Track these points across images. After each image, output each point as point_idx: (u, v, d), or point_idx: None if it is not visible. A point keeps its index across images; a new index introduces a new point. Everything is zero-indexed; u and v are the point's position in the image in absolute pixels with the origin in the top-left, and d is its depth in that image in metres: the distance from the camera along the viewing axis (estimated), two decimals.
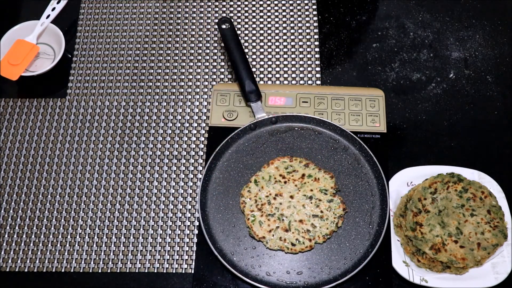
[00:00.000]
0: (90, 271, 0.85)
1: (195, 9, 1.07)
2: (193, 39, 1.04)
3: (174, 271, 0.84)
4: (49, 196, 0.90)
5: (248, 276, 0.80)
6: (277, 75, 0.99)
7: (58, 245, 0.86)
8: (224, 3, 1.07)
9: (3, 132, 0.95)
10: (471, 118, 0.95)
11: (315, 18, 1.05)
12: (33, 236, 0.87)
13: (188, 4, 1.07)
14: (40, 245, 0.86)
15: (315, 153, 0.90)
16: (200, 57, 1.02)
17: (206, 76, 1.00)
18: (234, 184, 0.88)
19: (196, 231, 0.87)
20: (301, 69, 1.00)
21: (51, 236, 0.87)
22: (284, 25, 1.04)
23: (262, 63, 1.01)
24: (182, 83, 0.99)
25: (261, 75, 1.00)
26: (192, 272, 0.84)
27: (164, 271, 0.84)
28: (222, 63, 1.01)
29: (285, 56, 1.01)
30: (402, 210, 0.84)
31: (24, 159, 0.93)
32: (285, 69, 1.00)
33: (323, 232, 0.82)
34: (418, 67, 1.00)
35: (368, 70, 1.00)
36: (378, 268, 0.82)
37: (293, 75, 0.99)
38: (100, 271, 0.85)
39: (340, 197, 0.85)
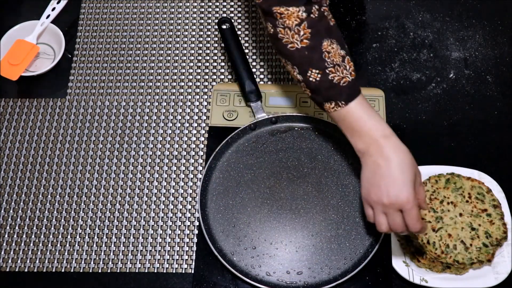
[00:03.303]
0: (90, 271, 0.85)
1: (195, 9, 1.07)
2: (193, 39, 1.04)
3: (174, 271, 0.84)
4: (49, 196, 0.90)
5: (248, 276, 0.80)
6: (277, 75, 0.99)
7: (58, 245, 0.86)
8: (224, 3, 1.07)
9: (3, 132, 0.95)
10: (471, 118, 0.95)
11: None
12: (33, 236, 0.87)
13: (188, 4, 1.07)
14: (40, 245, 0.86)
15: (315, 153, 0.90)
16: (200, 57, 1.02)
17: (206, 76, 1.00)
18: (234, 184, 0.88)
19: (196, 231, 0.87)
20: None
21: (51, 236, 0.87)
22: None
23: (262, 63, 1.01)
24: (182, 83, 0.99)
25: (261, 75, 1.00)
26: (192, 272, 0.84)
27: (164, 271, 0.84)
28: (222, 63, 1.01)
29: None
30: None
31: (24, 159, 0.93)
32: (285, 69, 1.00)
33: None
34: (418, 67, 1.00)
35: (368, 70, 1.00)
36: (378, 268, 0.82)
37: None
38: (100, 271, 0.85)
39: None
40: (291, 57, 0.73)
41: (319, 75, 0.71)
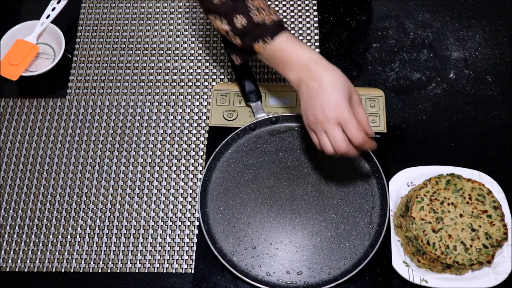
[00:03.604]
0: (90, 271, 0.85)
1: (195, 9, 1.07)
2: (193, 39, 1.04)
3: (174, 271, 0.84)
4: (49, 196, 0.90)
5: (248, 276, 0.81)
6: (277, 75, 0.99)
7: (58, 245, 0.86)
8: None
9: (3, 132, 0.95)
10: (471, 118, 0.95)
11: (316, 19, 1.05)
12: (33, 236, 0.87)
13: (188, 4, 1.07)
14: (40, 245, 0.86)
15: (315, 153, 0.90)
16: (200, 57, 1.02)
17: (206, 76, 1.00)
18: (234, 184, 0.88)
19: (196, 231, 0.87)
20: None
21: (51, 236, 0.87)
22: (285, 25, 1.04)
23: (262, 63, 1.01)
24: (182, 83, 0.99)
25: (261, 75, 1.00)
26: (192, 272, 0.84)
27: (164, 271, 0.85)
28: (222, 63, 1.01)
29: None
30: (402, 210, 0.84)
31: (24, 159, 0.93)
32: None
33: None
34: (418, 67, 1.00)
35: (368, 70, 1.00)
36: (378, 268, 0.82)
37: None
38: (100, 271, 0.85)
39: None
40: (217, 11, 0.76)
41: (244, 19, 0.74)
